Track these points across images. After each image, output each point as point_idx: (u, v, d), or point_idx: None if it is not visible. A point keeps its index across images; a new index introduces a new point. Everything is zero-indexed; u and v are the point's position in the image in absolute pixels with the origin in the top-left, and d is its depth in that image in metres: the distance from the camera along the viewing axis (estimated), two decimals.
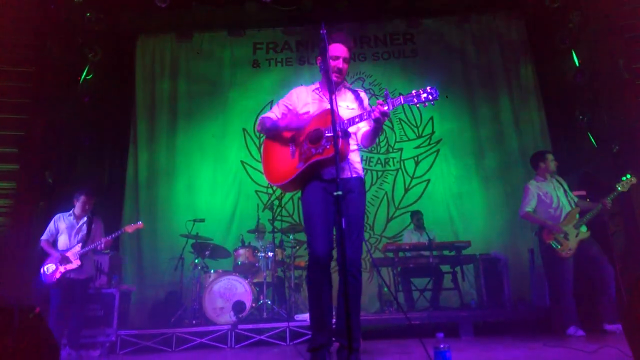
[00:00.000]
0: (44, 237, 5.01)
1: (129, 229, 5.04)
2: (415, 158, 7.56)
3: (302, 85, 3.22)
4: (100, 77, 7.05)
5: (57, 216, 5.11)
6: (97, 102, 7.01)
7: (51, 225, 5.05)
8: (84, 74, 6.84)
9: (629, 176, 4.46)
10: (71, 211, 5.11)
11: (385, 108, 2.64)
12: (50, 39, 6.31)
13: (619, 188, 4.47)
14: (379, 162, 7.60)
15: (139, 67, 7.91)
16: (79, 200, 5.08)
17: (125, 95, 7.74)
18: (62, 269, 4.78)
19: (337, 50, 2.95)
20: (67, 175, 6.42)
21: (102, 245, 4.96)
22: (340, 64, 2.94)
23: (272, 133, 3.03)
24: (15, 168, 5.99)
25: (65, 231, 5.01)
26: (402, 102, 2.65)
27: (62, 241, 4.98)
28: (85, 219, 5.08)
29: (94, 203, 5.21)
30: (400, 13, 7.80)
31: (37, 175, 6.02)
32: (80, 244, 4.90)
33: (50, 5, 6.17)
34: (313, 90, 3.11)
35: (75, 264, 4.81)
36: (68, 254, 4.85)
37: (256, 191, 7.42)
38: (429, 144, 7.60)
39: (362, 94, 3.10)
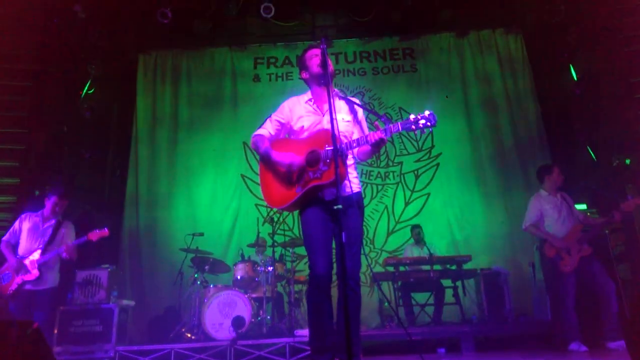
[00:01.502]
0: (5, 237, 4.51)
1: (93, 236, 4.55)
2: (415, 172, 7.56)
3: (293, 96, 3.16)
4: (102, 92, 7.09)
5: (23, 215, 4.63)
6: (99, 116, 7.04)
7: (15, 225, 4.54)
8: (86, 88, 6.88)
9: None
10: (40, 211, 4.64)
11: (384, 135, 2.64)
12: (52, 53, 6.36)
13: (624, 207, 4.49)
14: (379, 175, 7.60)
15: (140, 82, 7.96)
16: (50, 201, 4.61)
17: (126, 109, 7.77)
18: (18, 279, 4.30)
19: (313, 52, 3.04)
20: (68, 189, 6.42)
21: (65, 254, 4.42)
22: (319, 60, 2.94)
23: (265, 160, 2.99)
24: (16, 182, 6.00)
25: (27, 233, 4.51)
26: (400, 129, 2.63)
27: (23, 244, 4.47)
28: (53, 222, 4.62)
29: (66, 206, 4.78)
30: (400, 29, 7.88)
31: (37, 189, 6.02)
32: (40, 250, 4.40)
33: (53, 20, 6.23)
34: (306, 102, 3.06)
35: (33, 274, 4.31)
36: (26, 261, 4.35)
37: (256, 205, 7.41)
38: (429, 158, 7.61)
39: (356, 106, 3.06)
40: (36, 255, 4.41)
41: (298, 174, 2.82)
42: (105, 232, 4.67)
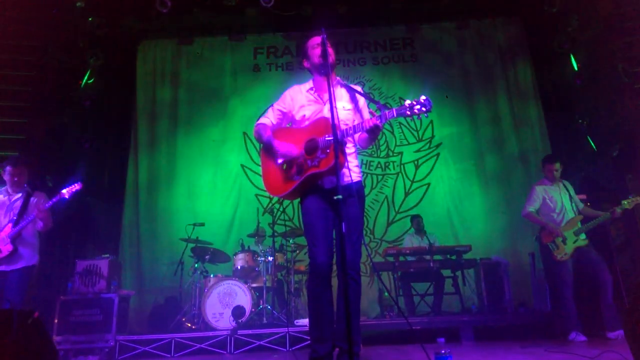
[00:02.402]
0: None
1: (67, 192, 4.26)
2: (416, 162, 7.55)
3: (295, 85, 3.18)
4: (102, 82, 7.05)
5: None
6: (98, 106, 7.02)
7: None
8: (85, 78, 6.84)
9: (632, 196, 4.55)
10: (3, 189, 4.34)
11: (378, 122, 2.64)
12: (52, 43, 6.32)
13: (625, 204, 4.50)
14: (379, 165, 7.59)
15: (140, 72, 7.93)
16: (6, 173, 4.25)
17: (126, 99, 7.75)
18: None
19: (314, 41, 3.01)
20: (68, 179, 6.41)
21: (40, 222, 4.10)
22: (319, 50, 2.92)
23: (267, 148, 3.01)
24: None
25: None
26: (395, 114, 2.63)
27: None
28: (21, 195, 4.29)
29: (28, 174, 4.42)
30: (400, 18, 7.82)
31: (37, 179, 6.01)
32: (11, 224, 4.05)
33: (52, 10, 6.18)
34: (307, 91, 3.07)
35: (5, 250, 3.97)
36: None
37: (256, 195, 7.41)
38: (429, 148, 7.60)
39: (358, 95, 3.06)
40: (8, 229, 4.09)
41: (297, 162, 2.83)
42: (78, 186, 4.32)
